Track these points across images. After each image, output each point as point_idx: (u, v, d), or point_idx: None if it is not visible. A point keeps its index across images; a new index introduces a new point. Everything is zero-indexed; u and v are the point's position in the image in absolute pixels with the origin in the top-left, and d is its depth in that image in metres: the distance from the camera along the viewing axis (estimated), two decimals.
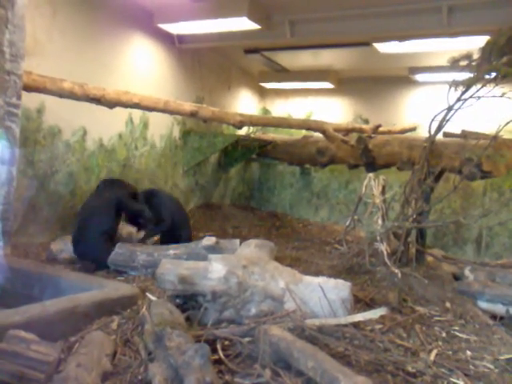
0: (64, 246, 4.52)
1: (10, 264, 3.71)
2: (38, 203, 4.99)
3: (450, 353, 2.85)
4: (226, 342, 2.62)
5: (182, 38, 6.85)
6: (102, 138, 5.82)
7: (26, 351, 2.17)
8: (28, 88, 4.09)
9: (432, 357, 2.73)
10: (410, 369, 2.48)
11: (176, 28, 6.36)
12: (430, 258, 4.98)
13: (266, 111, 9.60)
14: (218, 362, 2.42)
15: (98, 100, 4.58)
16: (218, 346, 2.54)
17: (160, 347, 2.41)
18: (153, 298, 3.34)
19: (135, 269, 4.18)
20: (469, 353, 2.87)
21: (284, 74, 8.66)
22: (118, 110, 4.96)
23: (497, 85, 4.31)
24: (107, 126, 5.81)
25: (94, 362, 2.23)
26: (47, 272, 3.55)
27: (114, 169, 6.03)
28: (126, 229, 5.17)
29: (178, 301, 3.15)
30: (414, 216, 4.53)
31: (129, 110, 5.52)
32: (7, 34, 3.76)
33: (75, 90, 4.39)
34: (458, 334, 3.19)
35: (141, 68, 6.37)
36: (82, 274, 3.81)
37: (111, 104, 4.73)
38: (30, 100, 4.56)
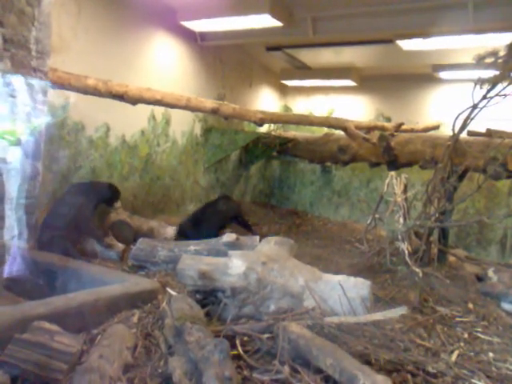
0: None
1: (34, 257, 3.79)
2: None
3: (472, 354, 2.81)
4: (245, 338, 2.62)
5: (204, 36, 6.87)
6: (125, 135, 5.89)
7: (50, 342, 2.22)
8: (53, 85, 4.16)
9: (453, 358, 2.70)
10: (430, 369, 2.45)
11: (198, 25, 6.39)
12: (452, 259, 4.91)
13: (287, 109, 9.58)
14: (237, 357, 2.43)
15: (120, 96, 4.63)
16: (237, 342, 2.55)
17: (180, 341, 2.43)
18: (173, 292, 3.37)
19: (156, 264, 4.22)
20: (491, 355, 2.82)
21: (306, 71, 8.62)
22: (140, 106, 5.02)
23: None
24: (130, 122, 5.88)
25: (116, 354, 2.26)
26: (70, 265, 3.62)
27: (136, 165, 6.09)
28: (146, 224, 5.24)
29: (197, 296, 3.17)
30: (437, 215, 4.47)
31: (151, 106, 5.58)
32: (33, 32, 3.83)
33: (99, 86, 4.45)
34: (480, 335, 3.14)
35: (163, 65, 6.42)
36: (104, 268, 3.87)
37: (134, 100, 4.78)
38: (55, 96, 4.64)
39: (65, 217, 4.30)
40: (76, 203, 4.42)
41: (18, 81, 3.73)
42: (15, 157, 3.84)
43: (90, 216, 4.55)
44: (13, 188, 3.84)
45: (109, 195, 4.87)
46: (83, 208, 4.46)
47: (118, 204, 5.06)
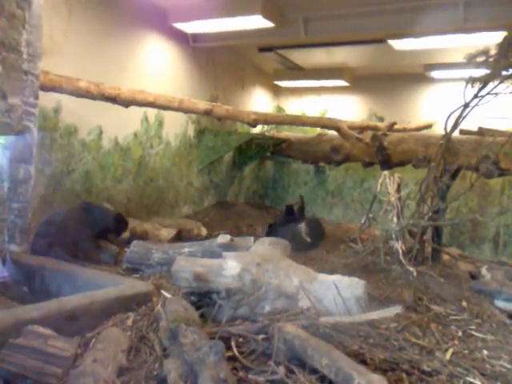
0: None
1: (27, 261, 3.77)
2: (56, 201, 5.05)
3: (467, 352, 2.81)
4: (241, 339, 2.62)
5: (196, 37, 6.88)
6: (118, 137, 5.87)
7: (44, 346, 2.21)
8: (45, 87, 4.15)
9: (448, 356, 2.70)
10: (425, 368, 2.46)
11: (190, 27, 6.39)
12: (446, 257, 4.93)
13: (280, 109, 9.59)
14: (233, 358, 2.42)
15: (113, 99, 4.62)
16: (233, 343, 2.54)
17: (175, 344, 2.42)
18: (168, 295, 3.36)
19: (150, 266, 4.21)
20: (485, 352, 2.83)
21: (298, 71, 8.64)
22: (133, 108, 5.01)
23: None
24: (123, 124, 5.86)
25: (110, 358, 2.25)
26: (64, 269, 3.60)
27: (130, 167, 6.08)
28: (140, 226, 5.22)
29: (192, 298, 3.16)
30: (430, 214, 4.48)
31: (144, 108, 5.56)
32: (24, 34, 3.82)
33: (91, 89, 4.44)
34: (474, 333, 3.14)
35: (155, 67, 6.41)
36: (99, 271, 3.85)
37: (126, 103, 4.77)
38: (47, 99, 4.62)
39: (66, 230, 4.26)
40: (82, 223, 4.41)
41: (9, 84, 3.71)
42: (7, 160, 3.82)
43: (91, 241, 4.49)
44: (4, 192, 3.83)
45: (116, 227, 4.76)
46: (87, 231, 4.43)
47: (126, 234, 4.93)
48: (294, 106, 9.44)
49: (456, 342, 2.97)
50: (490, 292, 3.98)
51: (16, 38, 3.75)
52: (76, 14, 5.15)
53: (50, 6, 4.68)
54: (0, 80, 3.63)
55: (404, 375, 2.38)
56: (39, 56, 3.97)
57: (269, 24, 5.80)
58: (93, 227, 4.51)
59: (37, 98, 3.98)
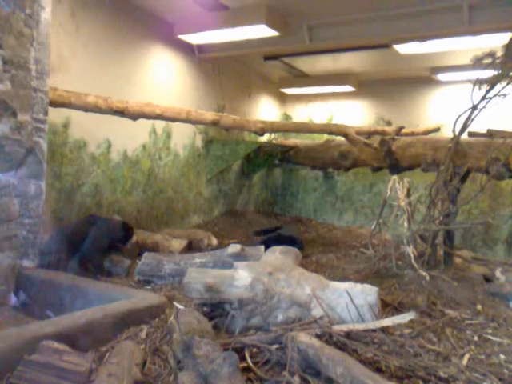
0: None
1: (39, 276, 3.79)
2: (66, 215, 5.09)
3: (483, 357, 2.78)
4: (254, 350, 2.61)
5: (201, 48, 6.93)
6: (127, 150, 5.92)
7: (59, 362, 2.22)
8: (54, 103, 4.19)
9: (464, 361, 2.67)
10: (441, 374, 2.43)
11: (196, 38, 6.45)
12: (458, 260, 4.90)
13: (286, 117, 9.61)
14: (247, 369, 2.42)
15: (121, 112, 4.66)
16: (246, 354, 2.53)
17: (189, 356, 2.42)
18: (180, 306, 3.36)
19: (162, 278, 4.21)
20: (502, 356, 2.80)
21: (304, 79, 8.66)
22: (141, 121, 5.04)
23: None
24: (131, 137, 5.91)
25: (125, 372, 2.25)
26: (76, 283, 3.61)
27: (139, 179, 6.11)
28: (151, 238, 5.24)
29: (205, 309, 3.17)
30: (441, 218, 4.45)
31: (152, 121, 5.60)
32: (33, 52, 3.87)
33: (99, 103, 4.48)
34: (490, 337, 3.11)
35: (162, 79, 6.46)
36: (111, 284, 3.87)
37: (134, 116, 4.80)
38: (56, 115, 4.68)
39: (75, 245, 4.28)
40: (90, 236, 4.41)
41: (18, 101, 3.76)
42: (18, 177, 3.86)
43: (101, 254, 4.50)
44: (16, 208, 3.86)
45: (124, 235, 4.80)
46: (96, 244, 4.43)
47: (134, 239, 5.01)
48: (300, 113, 9.46)
49: (472, 346, 2.94)
50: (505, 295, 3.95)
51: (24, 56, 3.80)
52: (83, 30, 5.21)
53: (57, 22, 4.75)
54: (9, 97, 3.69)
55: (420, 382, 2.36)
56: (47, 73, 4.02)
57: (273, 33, 5.84)
58: (101, 239, 4.53)
59: (46, 114, 4.03)
